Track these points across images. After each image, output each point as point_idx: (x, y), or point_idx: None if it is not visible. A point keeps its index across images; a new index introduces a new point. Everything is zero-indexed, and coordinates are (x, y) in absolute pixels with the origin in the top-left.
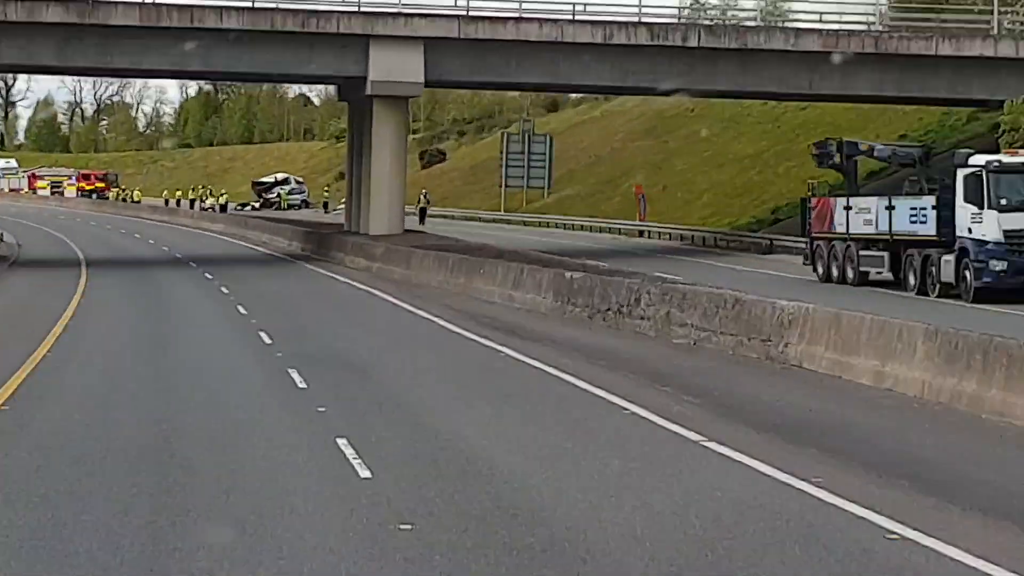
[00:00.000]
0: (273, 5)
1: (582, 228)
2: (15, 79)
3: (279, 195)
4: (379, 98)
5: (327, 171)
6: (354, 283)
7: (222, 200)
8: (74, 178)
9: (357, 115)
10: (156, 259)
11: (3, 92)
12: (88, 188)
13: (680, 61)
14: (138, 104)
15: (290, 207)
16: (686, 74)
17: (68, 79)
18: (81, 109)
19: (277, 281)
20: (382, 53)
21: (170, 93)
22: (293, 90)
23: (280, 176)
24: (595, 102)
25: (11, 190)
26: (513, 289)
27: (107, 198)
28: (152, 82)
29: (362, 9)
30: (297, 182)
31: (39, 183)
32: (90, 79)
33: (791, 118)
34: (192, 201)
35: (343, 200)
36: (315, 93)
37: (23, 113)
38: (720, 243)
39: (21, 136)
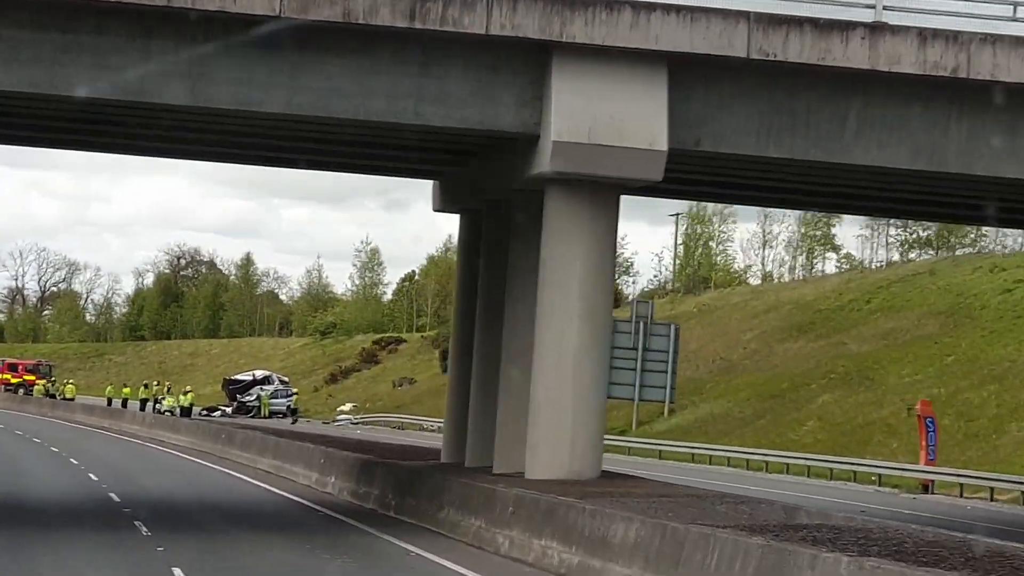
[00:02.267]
0: None
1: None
2: None
3: (259, 398)
4: (565, 184)
5: (311, 372)
6: None
7: (186, 401)
8: None
9: (491, 230)
10: (72, 512)
11: None
12: (14, 381)
13: None
14: (88, 293)
15: (272, 414)
16: None
17: (11, 264)
18: (23, 296)
19: None
20: (578, 83)
21: (124, 283)
22: (266, 284)
23: (259, 374)
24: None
25: None
26: None
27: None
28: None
29: None
30: (282, 382)
31: None
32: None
33: None
34: (144, 402)
35: (345, 407)
36: (286, 291)
37: None
38: None
39: None
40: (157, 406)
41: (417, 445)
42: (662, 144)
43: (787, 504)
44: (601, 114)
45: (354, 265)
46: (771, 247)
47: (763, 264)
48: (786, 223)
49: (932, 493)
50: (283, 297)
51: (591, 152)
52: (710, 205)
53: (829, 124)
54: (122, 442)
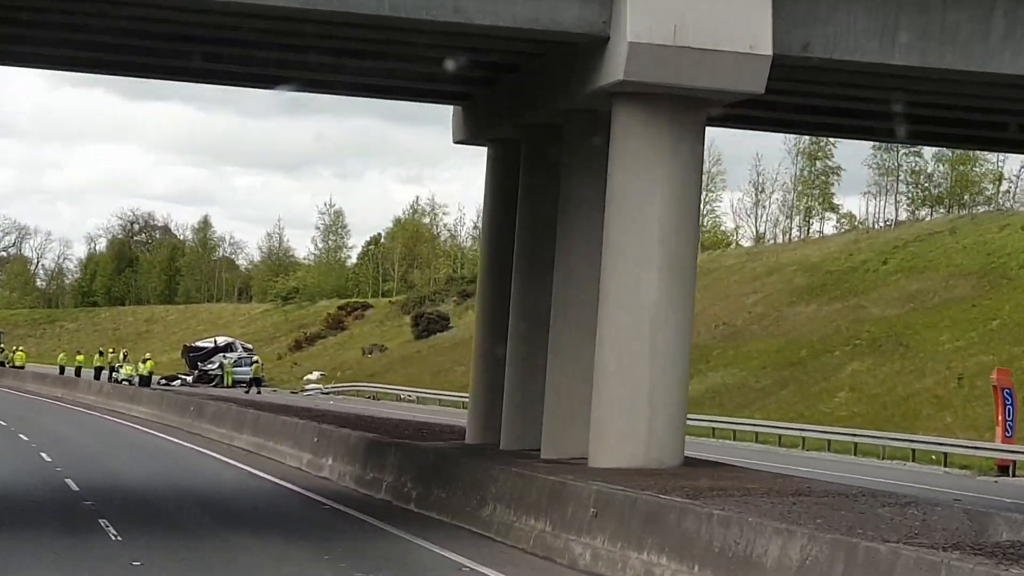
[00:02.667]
0: None
1: (812, 446)
2: None
3: (221, 366)
4: (640, 99)
5: (273, 339)
6: None
7: (144, 369)
8: None
9: (534, 163)
10: (18, 506)
11: None
12: None
13: None
14: (38, 258)
15: (236, 383)
16: None
17: None
18: None
19: None
20: None
21: (76, 249)
22: (223, 249)
23: (221, 340)
24: None
25: None
26: None
27: None
28: (56, 232)
29: None
30: (245, 349)
31: None
32: None
33: None
34: (99, 370)
35: (313, 375)
36: (243, 256)
37: None
38: None
39: None
40: (114, 375)
41: (429, 422)
42: (766, 47)
43: (967, 507)
44: (690, 9)
45: (317, 228)
46: (763, 207)
47: (756, 225)
48: (780, 180)
49: (1013, 475)
50: (242, 262)
51: (676, 56)
52: None
53: (971, 24)
54: (77, 414)
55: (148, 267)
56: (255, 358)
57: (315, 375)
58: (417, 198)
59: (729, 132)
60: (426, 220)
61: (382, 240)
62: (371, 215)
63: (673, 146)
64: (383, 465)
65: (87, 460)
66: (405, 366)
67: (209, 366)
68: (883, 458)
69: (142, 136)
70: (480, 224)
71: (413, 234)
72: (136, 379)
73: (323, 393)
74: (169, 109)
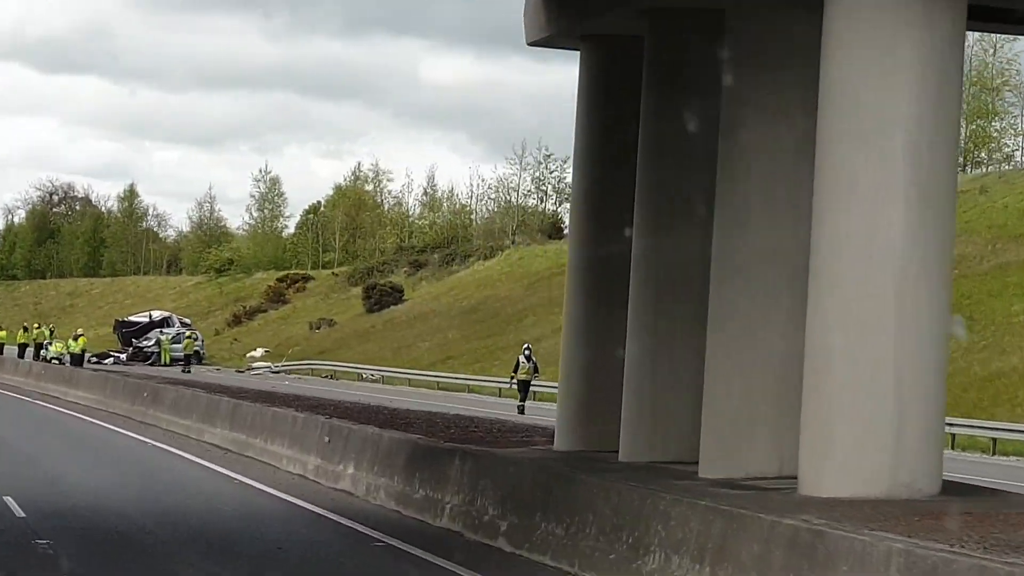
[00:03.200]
0: None
1: None
2: None
3: (158, 342)
4: None
5: (208, 313)
6: None
7: (76, 347)
8: None
9: (667, 63)
10: None
11: None
12: None
13: None
14: None
15: (174, 361)
16: None
17: None
18: None
19: None
20: None
21: None
22: (148, 221)
23: (157, 315)
24: None
25: None
26: None
27: None
28: None
29: None
30: (183, 324)
31: None
32: None
33: None
34: (23, 347)
35: (256, 352)
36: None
37: None
38: None
39: None
40: (43, 352)
41: (473, 415)
42: None
43: None
44: None
45: (251, 196)
46: None
47: None
48: None
49: None
50: (169, 233)
51: None
52: None
53: None
54: (4, 399)
55: (70, 239)
56: (193, 333)
57: (259, 352)
58: (359, 164)
59: None
60: (369, 187)
61: (321, 209)
62: (291, 190)
63: (926, 18)
64: (442, 480)
65: (26, 465)
66: (360, 342)
67: (144, 343)
68: (952, 447)
69: (59, 110)
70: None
71: (355, 202)
72: (67, 357)
73: (273, 372)
74: (86, 83)
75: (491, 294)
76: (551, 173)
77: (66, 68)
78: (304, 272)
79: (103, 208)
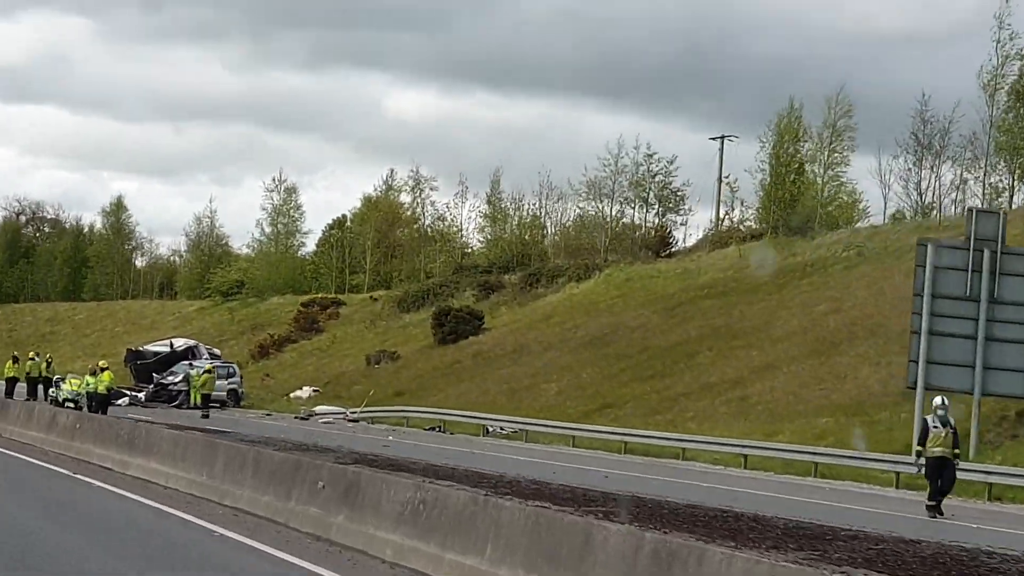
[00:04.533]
0: None
1: None
2: None
3: (187, 379)
4: None
5: (221, 342)
6: None
7: (101, 384)
8: None
9: None
10: None
11: None
12: None
13: None
14: None
15: (205, 402)
16: None
17: None
18: None
19: None
20: None
21: None
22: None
23: (179, 343)
24: None
25: None
26: None
27: None
28: None
29: None
30: (212, 355)
31: None
32: None
33: None
34: (13, 382)
35: (303, 391)
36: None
37: None
38: None
39: None
40: (52, 392)
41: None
42: None
43: None
44: None
45: (263, 209)
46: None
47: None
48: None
49: None
50: (162, 253)
51: None
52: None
53: None
54: (21, 474)
55: (47, 259)
56: (230, 367)
57: (306, 391)
58: (392, 171)
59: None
60: (405, 198)
61: (348, 224)
62: (249, 221)
63: None
64: None
65: None
66: (447, 381)
67: (169, 378)
68: None
69: (16, 139)
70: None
71: (388, 215)
72: (83, 399)
73: (350, 420)
74: (45, 112)
75: (615, 322)
76: (653, 177)
77: (25, 97)
78: (332, 296)
79: (84, 225)
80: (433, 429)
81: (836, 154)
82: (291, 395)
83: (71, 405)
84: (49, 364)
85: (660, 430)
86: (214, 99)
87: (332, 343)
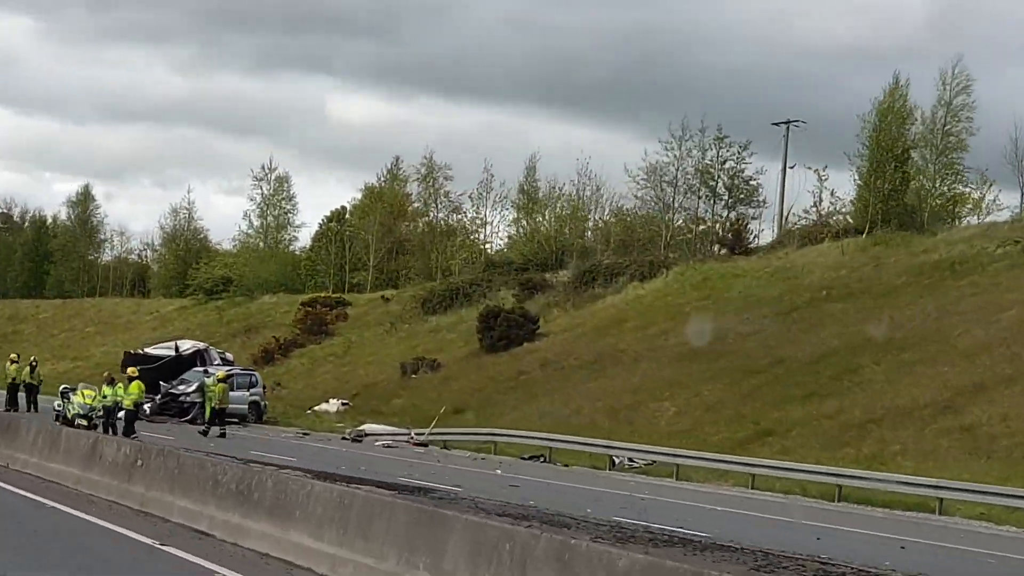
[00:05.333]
0: None
1: None
2: None
3: (201, 389)
4: None
5: (209, 342)
6: None
7: (129, 398)
8: None
9: None
10: None
11: None
12: None
13: None
14: None
15: (224, 418)
16: None
17: None
18: None
19: None
20: None
21: None
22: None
23: (186, 346)
24: None
25: None
26: None
27: None
28: None
29: None
30: (225, 360)
31: None
32: None
33: None
34: (13, 391)
35: (330, 404)
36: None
37: None
38: None
39: None
40: (59, 406)
41: None
42: None
43: None
44: None
45: (251, 200)
46: None
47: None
48: None
49: None
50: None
51: None
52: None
53: None
54: (86, 536)
55: (6, 253)
56: (255, 377)
57: (334, 405)
58: (397, 159)
59: None
60: (413, 189)
61: (347, 217)
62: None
63: None
64: None
65: None
66: (514, 396)
67: (181, 388)
68: None
69: None
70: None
71: (394, 208)
72: (98, 415)
73: (417, 444)
74: None
75: (716, 328)
76: (723, 164)
77: None
78: (335, 295)
79: (47, 216)
80: (536, 459)
81: (951, 137)
82: (315, 409)
83: (83, 423)
84: (34, 368)
85: (862, 466)
86: (159, 101)
87: (347, 348)
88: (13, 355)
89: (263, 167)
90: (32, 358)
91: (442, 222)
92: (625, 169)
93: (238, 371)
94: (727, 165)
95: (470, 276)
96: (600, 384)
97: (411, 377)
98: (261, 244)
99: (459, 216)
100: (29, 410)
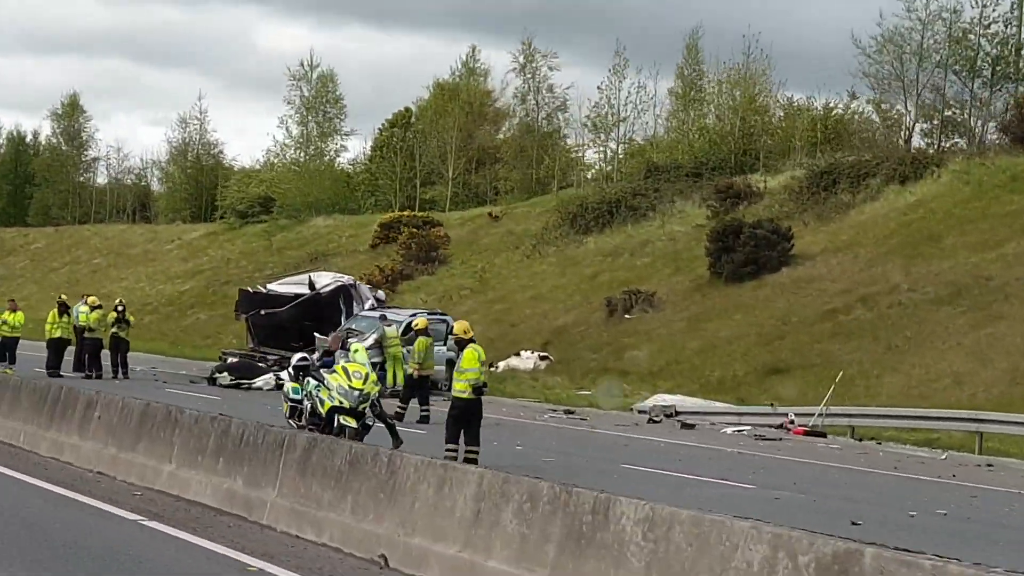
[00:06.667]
0: None
1: None
2: None
3: (379, 344)
4: None
5: (260, 273)
6: None
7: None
8: None
9: None
10: None
11: None
12: None
13: None
14: None
15: (427, 391)
16: None
17: None
18: None
19: None
20: None
21: None
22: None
23: (324, 280)
24: None
25: None
26: None
27: None
28: None
29: None
30: (378, 300)
31: None
32: None
33: None
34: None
35: (541, 355)
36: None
37: None
38: None
39: None
40: (302, 390)
41: None
42: None
43: None
44: None
45: (288, 103)
46: None
47: None
48: None
49: None
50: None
51: None
52: None
53: None
54: None
55: None
56: (426, 321)
57: (529, 359)
58: (474, 48)
59: None
60: (494, 84)
61: (414, 120)
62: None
63: None
64: None
65: None
66: (839, 345)
67: (351, 341)
68: None
69: None
70: None
71: (474, 109)
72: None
73: (808, 431)
74: None
75: None
76: (987, 28)
77: None
78: (421, 214)
79: (27, 133)
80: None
81: None
82: (500, 365)
83: (351, 425)
84: (121, 315)
85: None
86: (85, 32)
87: (482, 279)
88: (92, 297)
89: (302, 63)
90: (118, 300)
91: (543, 122)
92: (852, 37)
93: (434, 316)
94: (991, 29)
95: (629, 185)
96: (972, 336)
97: (622, 318)
98: (303, 156)
99: (566, 114)
100: (116, 375)
